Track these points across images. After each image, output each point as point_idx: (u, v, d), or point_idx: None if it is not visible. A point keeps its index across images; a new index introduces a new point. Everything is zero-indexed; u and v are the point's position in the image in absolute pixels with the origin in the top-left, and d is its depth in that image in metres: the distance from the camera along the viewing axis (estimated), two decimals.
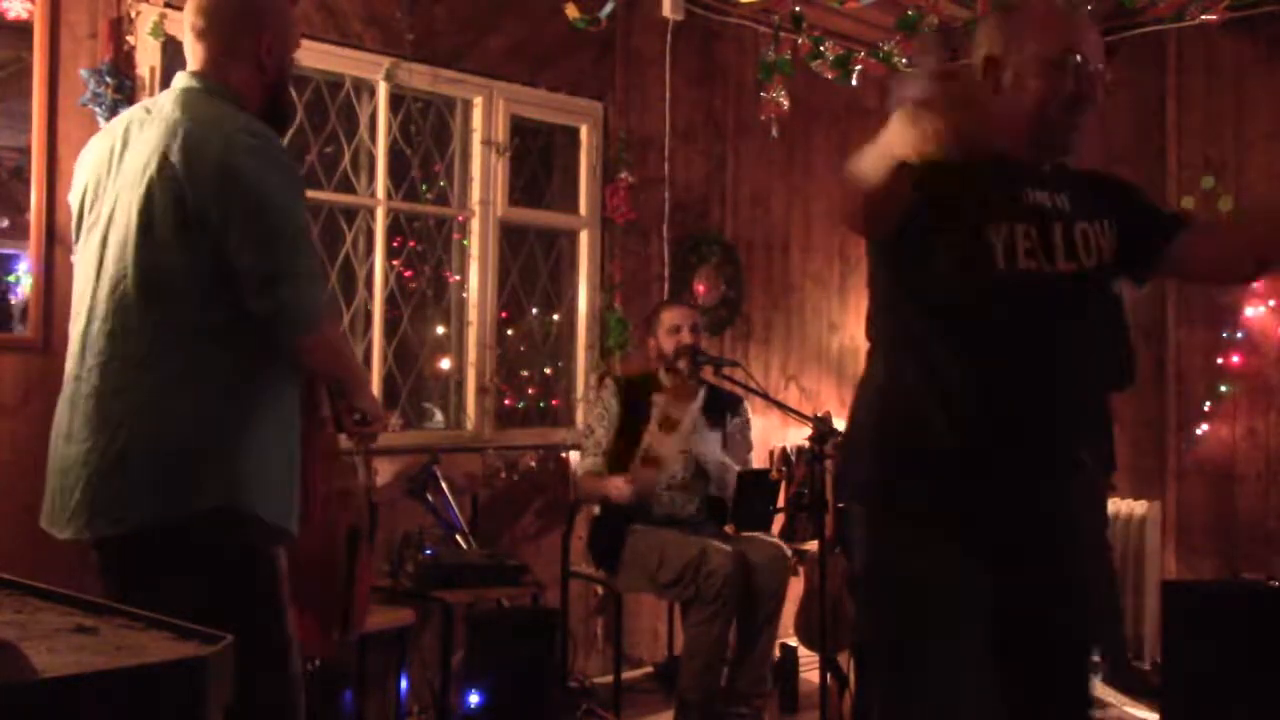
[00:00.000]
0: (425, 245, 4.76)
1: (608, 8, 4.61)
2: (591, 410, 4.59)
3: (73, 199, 2.39)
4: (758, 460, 4.94)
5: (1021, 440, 2.15)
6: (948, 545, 2.12)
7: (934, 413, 2.14)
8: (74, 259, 2.37)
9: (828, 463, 3.87)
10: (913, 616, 2.14)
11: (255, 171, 2.17)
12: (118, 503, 2.17)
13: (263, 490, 2.23)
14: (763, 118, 5.14)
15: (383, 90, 4.52)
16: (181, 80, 2.34)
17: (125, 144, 2.29)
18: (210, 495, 2.17)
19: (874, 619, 2.26)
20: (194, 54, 2.36)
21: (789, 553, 4.26)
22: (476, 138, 4.81)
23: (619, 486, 4.31)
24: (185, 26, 2.37)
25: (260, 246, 2.17)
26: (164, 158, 2.19)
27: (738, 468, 4.53)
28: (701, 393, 4.55)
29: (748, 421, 4.68)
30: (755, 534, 4.49)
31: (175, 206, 2.17)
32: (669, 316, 4.52)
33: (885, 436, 2.24)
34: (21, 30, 3.65)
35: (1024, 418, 2.15)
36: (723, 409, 4.58)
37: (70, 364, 2.29)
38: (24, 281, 3.70)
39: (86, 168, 2.38)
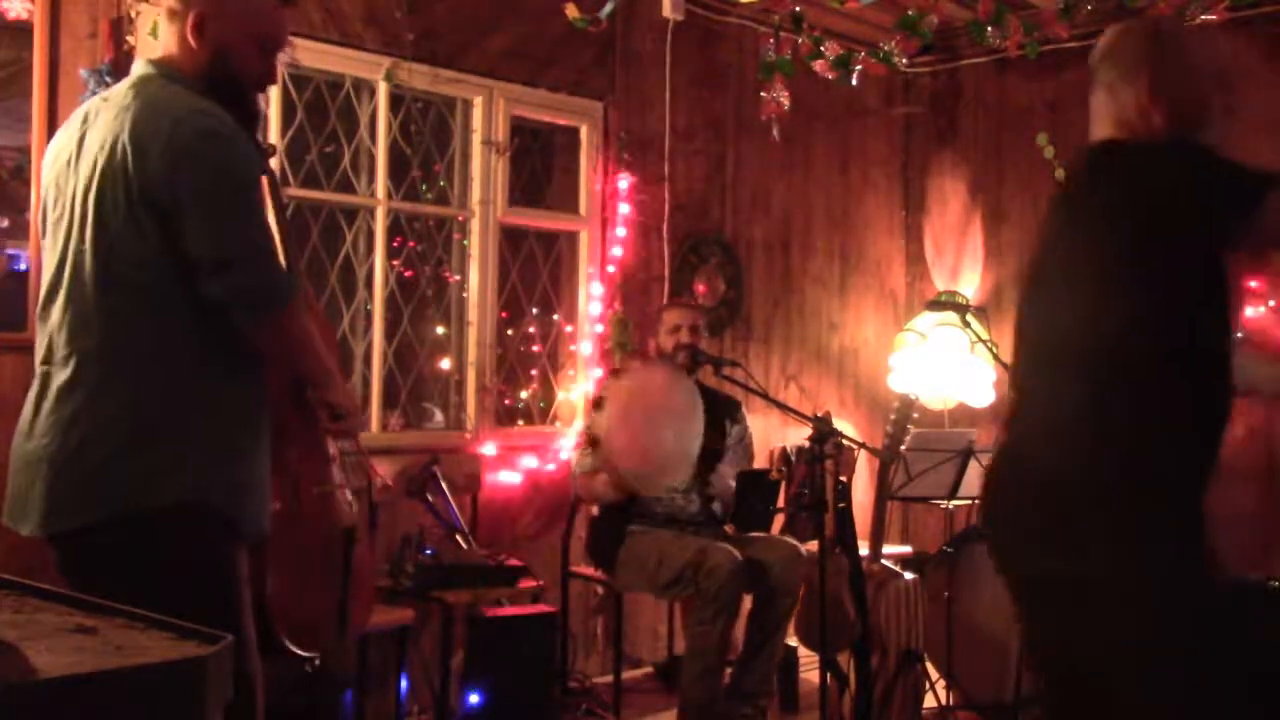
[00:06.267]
0: (425, 245, 4.76)
1: (608, 8, 4.61)
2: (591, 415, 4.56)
3: (42, 195, 2.36)
4: (758, 460, 4.94)
5: None
6: None
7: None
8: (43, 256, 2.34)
9: (828, 463, 3.87)
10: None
11: (203, 154, 2.14)
12: (74, 498, 2.15)
13: (225, 487, 2.20)
14: (763, 118, 5.14)
15: (383, 90, 4.52)
16: (138, 67, 2.31)
17: (84, 136, 2.26)
18: (169, 492, 2.14)
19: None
20: (161, 41, 2.34)
21: (803, 551, 4.25)
22: (476, 138, 4.81)
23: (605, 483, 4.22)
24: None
25: (212, 231, 2.13)
26: (114, 145, 2.16)
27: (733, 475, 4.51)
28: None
29: (747, 427, 4.67)
30: (768, 534, 4.47)
31: (126, 194, 2.14)
32: (669, 317, 4.52)
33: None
34: (21, 30, 3.65)
35: None
36: (721, 415, 4.56)
37: (37, 360, 2.27)
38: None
39: (49, 163, 2.34)
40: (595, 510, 4.58)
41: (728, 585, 4.01)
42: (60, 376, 2.19)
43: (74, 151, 2.27)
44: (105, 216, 2.16)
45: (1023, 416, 2.31)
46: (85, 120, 2.29)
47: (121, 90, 2.27)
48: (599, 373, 5.07)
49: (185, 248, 2.14)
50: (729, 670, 4.30)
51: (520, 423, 5.04)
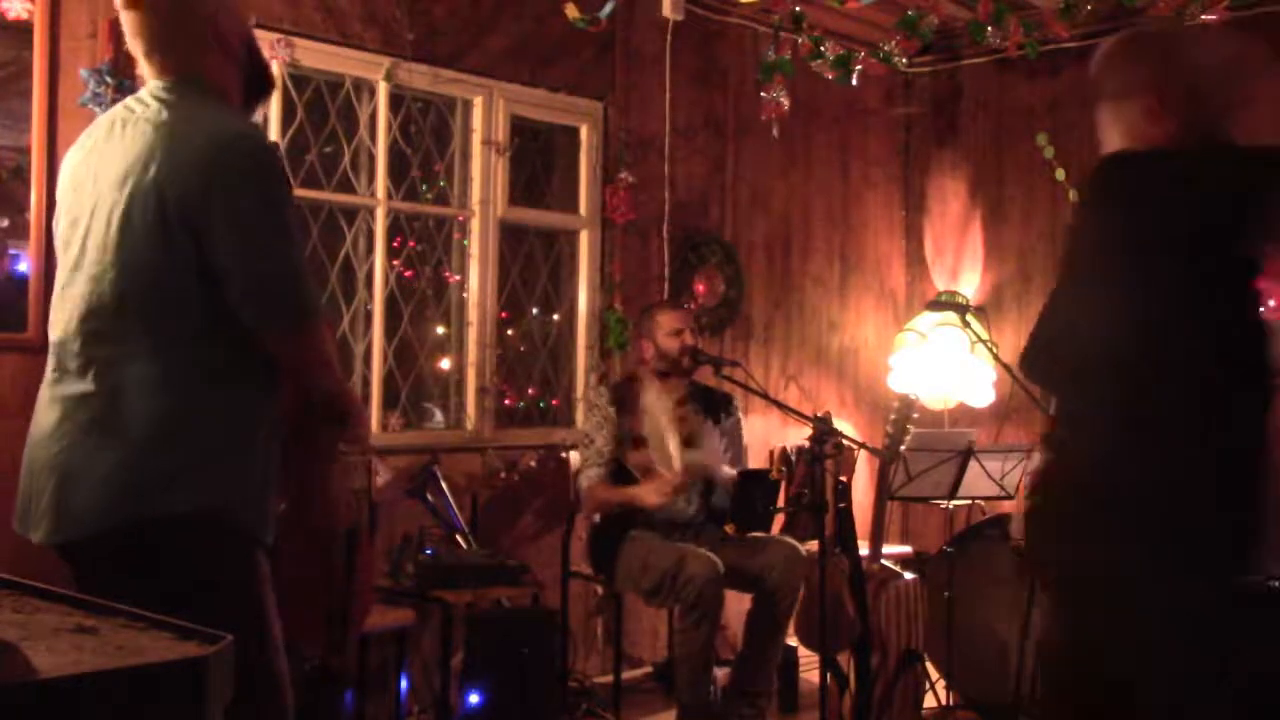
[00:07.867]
0: (425, 245, 4.77)
1: (608, 7, 4.61)
2: (589, 418, 4.56)
3: (58, 199, 2.35)
4: (758, 460, 4.94)
5: None
6: None
7: None
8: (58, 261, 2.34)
9: (828, 462, 3.87)
10: None
11: (242, 173, 2.14)
12: (85, 506, 2.13)
13: (242, 493, 2.20)
14: (763, 118, 5.14)
15: (383, 90, 4.52)
16: (161, 80, 2.28)
17: (109, 145, 2.25)
18: (185, 498, 2.13)
19: None
20: (152, 63, 2.28)
21: (803, 552, 4.25)
22: (476, 138, 4.81)
23: (661, 492, 4.23)
24: (134, 50, 2.30)
25: (247, 250, 2.14)
26: (148, 158, 2.15)
27: (734, 471, 4.52)
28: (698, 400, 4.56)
29: (739, 421, 4.67)
30: (768, 534, 4.47)
31: (158, 207, 2.13)
32: (669, 320, 4.48)
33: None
34: (21, 30, 3.65)
35: None
36: (715, 409, 4.57)
37: (48, 366, 2.26)
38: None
39: (69, 169, 2.34)
40: (596, 516, 4.57)
41: (705, 592, 4.00)
42: (75, 385, 2.18)
43: (97, 160, 2.26)
44: (134, 227, 2.15)
45: (1064, 421, 2.31)
46: (111, 128, 2.27)
47: (151, 103, 2.25)
48: (597, 373, 5.07)
49: (218, 262, 2.13)
50: (728, 670, 4.30)
51: (520, 423, 5.04)
